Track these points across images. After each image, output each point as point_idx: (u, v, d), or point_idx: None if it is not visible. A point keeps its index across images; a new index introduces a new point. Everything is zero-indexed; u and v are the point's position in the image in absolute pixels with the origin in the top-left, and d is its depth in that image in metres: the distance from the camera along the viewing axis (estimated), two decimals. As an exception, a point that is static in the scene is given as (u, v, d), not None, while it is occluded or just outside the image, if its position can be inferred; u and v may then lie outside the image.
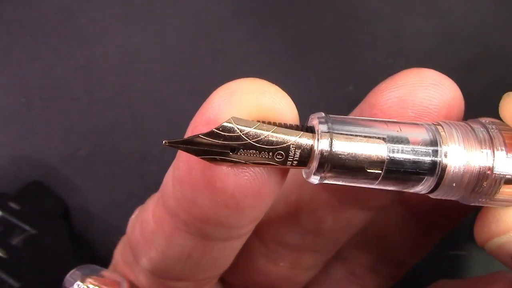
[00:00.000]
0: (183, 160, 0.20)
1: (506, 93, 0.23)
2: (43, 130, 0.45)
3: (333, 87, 0.45)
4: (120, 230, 0.30)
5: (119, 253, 0.28)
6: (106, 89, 0.45)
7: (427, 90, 0.21)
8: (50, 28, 0.46)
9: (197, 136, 0.18)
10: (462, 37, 0.45)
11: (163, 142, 0.19)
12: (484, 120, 0.21)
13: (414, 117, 0.21)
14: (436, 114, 0.21)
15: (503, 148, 0.19)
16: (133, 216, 0.27)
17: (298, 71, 0.45)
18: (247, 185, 0.20)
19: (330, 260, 0.31)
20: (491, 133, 0.20)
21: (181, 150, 0.19)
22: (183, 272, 0.25)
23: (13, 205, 0.39)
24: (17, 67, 0.46)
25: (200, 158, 0.19)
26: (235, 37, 0.46)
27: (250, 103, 0.19)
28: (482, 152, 0.19)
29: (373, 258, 0.31)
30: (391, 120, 0.20)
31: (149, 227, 0.24)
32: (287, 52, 0.46)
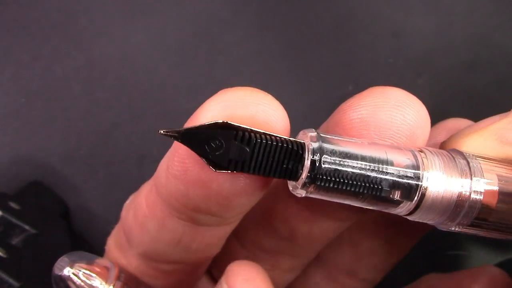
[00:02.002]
0: (178, 159, 0.21)
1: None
2: (43, 130, 0.45)
3: (333, 87, 0.45)
4: (110, 226, 0.30)
5: (113, 239, 0.29)
6: (106, 89, 0.46)
7: (389, 112, 0.21)
8: (50, 28, 0.46)
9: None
10: (462, 37, 0.45)
11: (160, 131, 0.19)
12: (463, 151, 0.22)
13: (377, 139, 0.21)
14: (399, 136, 0.21)
15: (481, 178, 0.20)
16: (127, 202, 0.28)
17: (298, 71, 0.45)
18: (241, 189, 0.21)
19: (308, 264, 0.31)
20: (470, 163, 0.20)
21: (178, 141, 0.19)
22: (174, 255, 0.26)
23: (13, 205, 0.39)
24: (17, 67, 0.46)
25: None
26: (235, 37, 0.46)
27: (244, 115, 0.20)
28: (461, 180, 0.20)
29: (350, 262, 0.31)
30: (378, 143, 0.21)
31: (142, 212, 0.25)
32: (287, 52, 0.46)
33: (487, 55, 0.44)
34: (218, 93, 0.20)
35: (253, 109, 0.20)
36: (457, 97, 0.43)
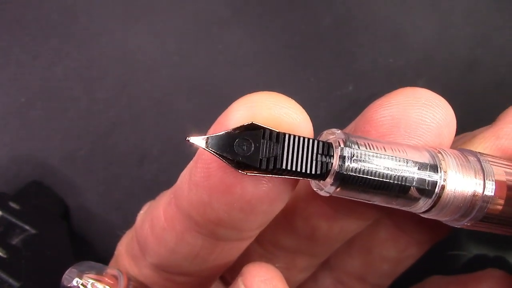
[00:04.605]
0: (201, 166, 0.21)
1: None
2: (43, 130, 0.45)
3: (333, 87, 0.45)
4: (120, 230, 0.30)
5: (124, 246, 0.29)
6: (106, 89, 0.45)
7: (419, 110, 0.22)
8: (50, 28, 0.46)
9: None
10: (462, 37, 0.45)
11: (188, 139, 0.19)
12: (477, 152, 0.23)
13: (406, 136, 0.22)
14: (428, 133, 0.22)
15: (492, 177, 0.21)
16: (141, 212, 0.28)
17: (298, 71, 0.45)
18: (264, 193, 0.21)
19: (319, 268, 0.31)
20: (482, 163, 0.22)
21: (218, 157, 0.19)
22: (189, 268, 0.26)
23: (13, 205, 0.39)
24: (17, 67, 0.46)
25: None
26: (235, 37, 0.46)
27: (269, 117, 0.20)
28: (475, 180, 0.21)
29: (360, 268, 0.32)
30: (396, 142, 0.22)
31: (159, 225, 0.25)
32: (287, 52, 0.46)
33: (487, 55, 0.44)
34: (243, 96, 0.21)
35: (277, 111, 0.20)
36: (457, 97, 0.43)
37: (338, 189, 0.20)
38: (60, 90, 0.46)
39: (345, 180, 0.20)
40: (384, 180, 0.20)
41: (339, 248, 0.29)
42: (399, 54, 0.45)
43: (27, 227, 0.37)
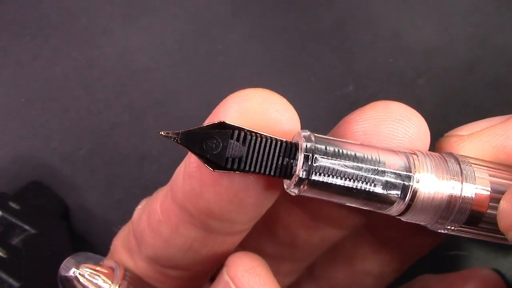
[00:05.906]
0: (195, 157, 0.21)
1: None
2: (43, 130, 0.45)
3: (333, 87, 0.45)
4: (116, 226, 0.30)
5: (120, 240, 0.30)
6: (106, 89, 0.46)
7: (391, 125, 0.22)
8: (50, 28, 0.46)
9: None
10: (462, 37, 0.45)
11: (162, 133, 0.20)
12: (457, 154, 0.22)
13: None
14: (400, 148, 0.22)
15: (473, 181, 0.21)
16: (139, 206, 0.28)
17: (298, 71, 0.45)
18: (250, 186, 0.21)
19: (303, 278, 0.32)
20: (462, 167, 0.21)
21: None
22: (183, 261, 0.26)
23: (13, 205, 0.39)
24: (17, 67, 0.46)
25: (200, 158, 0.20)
26: (235, 37, 0.46)
27: (259, 112, 0.20)
28: (452, 182, 0.21)
29: (344, 280, 0.32)
30: (370, 144, 0.21)
31: (156, 217, 0.25)
32: (287, 52, 0.46)
33: (487, 55, 0.44)
34: (236, 92, 0.21)
35: (267, 107, 0.21)
36: (457, 97, 0.43)
37: (304, 188, 0.20)
38: (60, 90, 0.46)
39: (310, 178, 0.19)
40: (349, 186, 0.20)
41: (323, 259, 0.30)
42: (399, 54, 0.45)
43: (27, 227, 0.37)
